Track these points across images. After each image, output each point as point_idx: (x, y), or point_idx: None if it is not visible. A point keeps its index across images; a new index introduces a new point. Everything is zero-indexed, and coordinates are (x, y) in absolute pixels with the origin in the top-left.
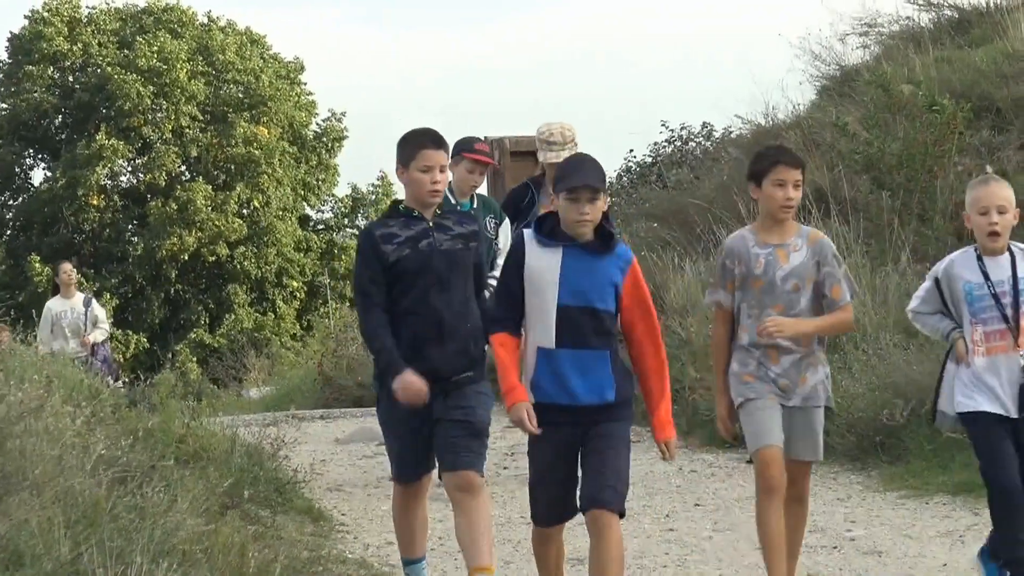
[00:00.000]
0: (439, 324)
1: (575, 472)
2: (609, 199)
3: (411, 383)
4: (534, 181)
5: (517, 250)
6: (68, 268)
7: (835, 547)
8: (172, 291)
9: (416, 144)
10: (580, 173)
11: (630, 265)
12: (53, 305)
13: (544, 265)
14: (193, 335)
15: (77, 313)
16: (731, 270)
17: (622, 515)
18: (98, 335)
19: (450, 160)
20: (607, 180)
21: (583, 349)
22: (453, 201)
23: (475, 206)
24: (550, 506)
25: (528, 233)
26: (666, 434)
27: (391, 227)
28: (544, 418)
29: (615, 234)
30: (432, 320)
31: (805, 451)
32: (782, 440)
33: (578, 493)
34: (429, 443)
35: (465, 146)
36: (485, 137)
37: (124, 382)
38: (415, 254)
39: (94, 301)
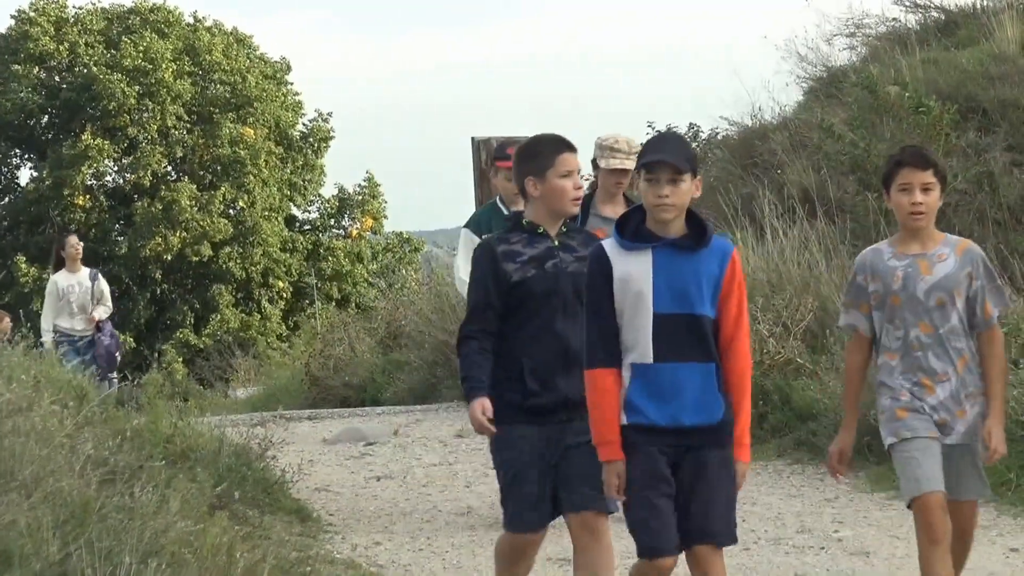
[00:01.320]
0: (566, 352)
1: (672, 500)
2: (700, 186)
3: (478, 418)
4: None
5: (601, 263)
6: (74, 241)
7: (822, 547)
8: (158, 291)
9: (552, 150)
10: (660, 148)
11: (730, 259)
12: (59, 279)
13: (633, 271)
14: (179, 335)
15: (84, 288)
16: (865, 288)
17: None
18: (102, 312)
19: (489, 171)
20: (695, 161)
21: (685, 362)
22: (507, 212)
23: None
24: (654, 536)
25: (609, 241)
26: (742, 455)
27: (513, 244)
28: (638, 443)
29: (709, 225)
30: (559, 347)
31: (971, 489)
32: (943, 484)
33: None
34: (552, 480)
35: (500, 154)
36: (473, 138)
37: (115, 378)
38: (541, 275)
39: (100, 275)
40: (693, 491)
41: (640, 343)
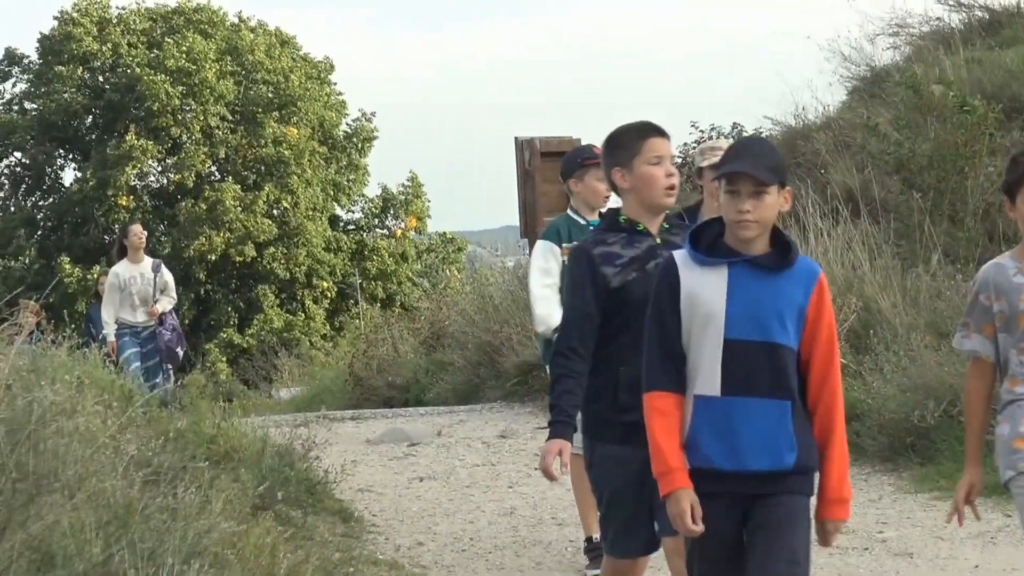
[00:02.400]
0: None
1: (740, 554)
2: (789, 199)
3: (547, 463)
4: (688, 210)
5: (669, 276)
6: (138, 230)
7: (866, 548)
8: (202, 291)
9: (639, 135)
10: (742, 157)
11: (817, 283)
12: (121, 270)
13: (705, 288)
14: (223, 335)
15: (147, 279)
16: (988, 307)
17: None
18: (166, 303)
19: (571, 177)
20: (783, 170)
21: (757, 397)
22: (583, 222)
23: None
24: None
25: (680, 253)
26: (834, 513)
27: (611, 244)
28: (699, 487)
29: (794, 244)
30: None
31: None
32: None
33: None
34: (651, 503)
35: (588, 154)
36: (516, 138)
37: (169, 368)
38: (643, 278)
39: (163, 266)
40: (753, 545)
41: (706, 372)
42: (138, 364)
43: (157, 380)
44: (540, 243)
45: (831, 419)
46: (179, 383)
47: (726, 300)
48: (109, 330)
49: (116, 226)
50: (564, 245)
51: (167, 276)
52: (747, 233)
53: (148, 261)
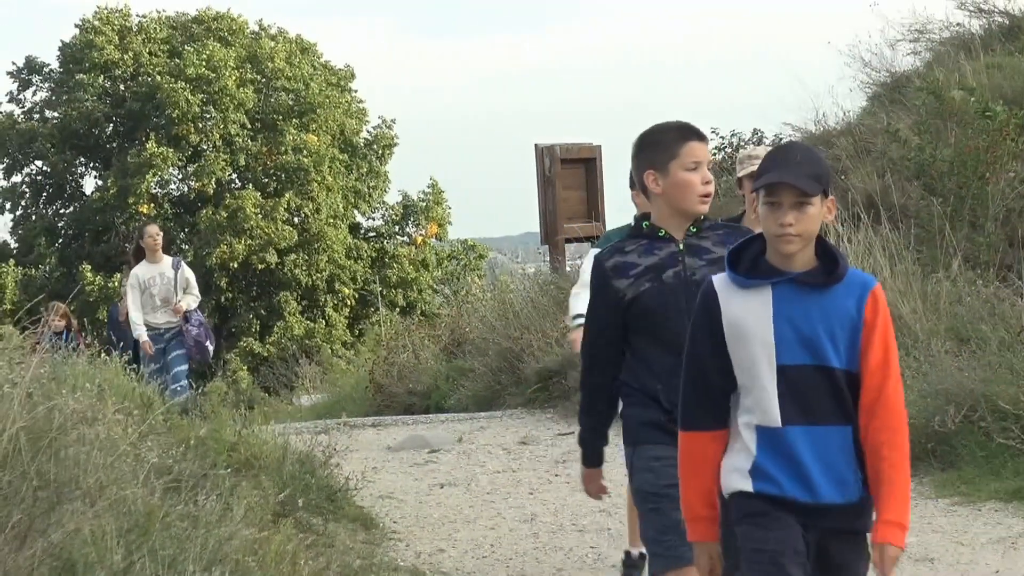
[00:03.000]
0: None
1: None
2: (834, 209)
3: (592, 493)
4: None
5: (708, 303)
6: (154, 230)
7: None
8: (223, 299)
9: (676, 138)
10: (782, 166)
11: (870, 295)
12: (140, 272)
13: (749, 313)
14: (243, 343)
15: (167, 278)
16: None
17: None
18: (190, 301)
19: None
20: (828, 178)
21: (819, 424)
22: None
23: None
24: None
25: (719, 278)
26: (895, 537)
27: (628, 254)
28: (769, 510)
29: (842, 256)
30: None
31: None
32: None
33: None
34: None
35: None
36: (536, 145)
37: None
38: (657, 288)
39: (183, 264)
40: None
41: (763, 402)
42: (155, 366)
43: (178, 369)
44: (590, 253)
45: (890, 437)
46: (200, 391)
47: (773, 324)
48: (141, 331)
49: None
50: None
51: (188, 273)
52: (789, 248)
53: (168, 260)
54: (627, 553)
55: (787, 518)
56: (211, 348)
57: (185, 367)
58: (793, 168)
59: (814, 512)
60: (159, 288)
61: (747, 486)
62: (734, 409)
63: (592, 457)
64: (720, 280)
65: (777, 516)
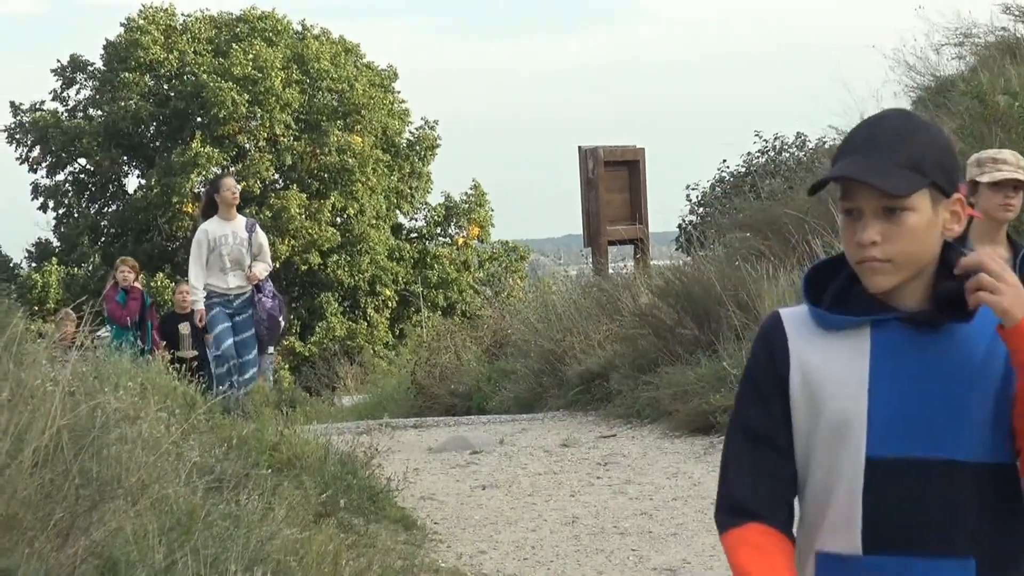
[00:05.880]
0: None
1: None
2: (962, 216)
3: None
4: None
5: (770, 346)
6: (231, 184)
7: None
8: None
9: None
10: (861, 150)
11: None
12: (211, 228)
13: (832, 368)
14: (285, 343)
15: (240, 239)
16: None
17: None
18: (263, 268)
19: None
20: (944, 167)
21: (925, 556)
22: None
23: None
24: None
25: (792, 311)
26: None
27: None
28: None
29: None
30: None
31: None
32: None
33: None
34: None
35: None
36: (580, 147)
37: (272, 353)
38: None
39: (258, 226)
40: None
41: (837, 515)
42: (230, 342)
43: (249, 357)
44: None
45: None
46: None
47: (868, 388)
48: (197, 296)
49: (179, 233)
50: None
51: (262, 238)
52: (875, 280)
53: (241, 220)
54: None
55: None
56: (283, 324)
57: (254, 354)
58: (876, 154)
59: None
60: (230, 248)
61: None
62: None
63: None
64: (792, 315)
65: None
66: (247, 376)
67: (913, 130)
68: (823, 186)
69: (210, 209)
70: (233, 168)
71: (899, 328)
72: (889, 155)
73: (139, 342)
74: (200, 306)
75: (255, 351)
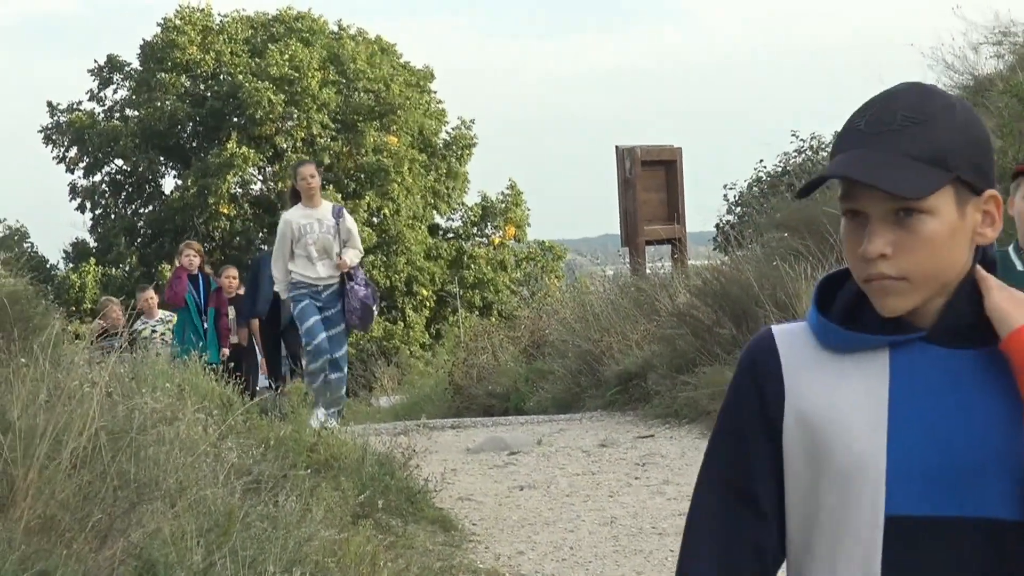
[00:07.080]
0: None
1: None
2: (998, 217)
3: None
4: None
5: (757, 372)
6: (309, 172)
7: None
8: None
9: None
10: (866, 143)
11: None
12: (293, 217)
13: (840, 404)
14: None
15: (326, 226)
16: None
17: None
18: (353, 256)
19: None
20: (971, 157)
21: None
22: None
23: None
24: None
25: (786, 329)
26: None
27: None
28: None
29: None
30: None
31: None
32: None
33: None
34: None
35: None
36: (617, 147)
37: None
38: None
39: (346, 212)
40: None
41: None
42: (323, 336)
43: (340, 353)
44: None
45: None
46: (279, 391)
47: (887, 429)
48: (281, 287)
49: (216, 233)
50: None
51: (350, 223)
52: (888, 302)
53: (327, 206)
54: None
55: None
56: (375, 312)
57: (345, 350)
58: (884, 144)
59: None
60: (316, 237)
61: None
62: None
63: None
64: (788, 334)
65: None
66: (338, 376)
67: (933, 112)
68: (816, 187)
69: (294, 199)
70: (269, 169)
71: (926, 351)
72: (901, 144)
73: (203, 327)
74: (285, 295)
75: (346, 347)
